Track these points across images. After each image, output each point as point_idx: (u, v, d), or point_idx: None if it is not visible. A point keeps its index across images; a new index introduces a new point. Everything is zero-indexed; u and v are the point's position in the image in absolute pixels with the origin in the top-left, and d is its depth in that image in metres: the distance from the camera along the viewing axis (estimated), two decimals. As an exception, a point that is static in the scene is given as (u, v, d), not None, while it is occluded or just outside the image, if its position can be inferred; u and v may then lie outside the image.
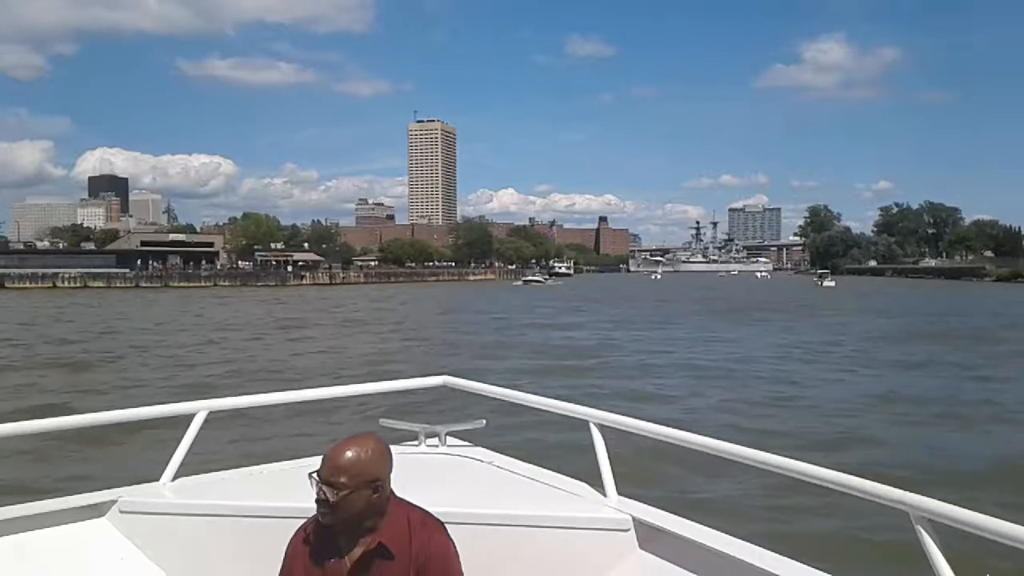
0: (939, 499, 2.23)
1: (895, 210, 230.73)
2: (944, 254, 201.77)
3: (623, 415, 3.46)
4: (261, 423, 13.73)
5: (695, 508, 5.57)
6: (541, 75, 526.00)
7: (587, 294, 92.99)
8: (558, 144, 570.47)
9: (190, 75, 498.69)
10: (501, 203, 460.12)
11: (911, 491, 2.30)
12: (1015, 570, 4.80)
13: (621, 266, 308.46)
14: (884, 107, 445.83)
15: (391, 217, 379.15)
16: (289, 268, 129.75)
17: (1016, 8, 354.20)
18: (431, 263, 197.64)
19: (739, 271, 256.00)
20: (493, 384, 4.33)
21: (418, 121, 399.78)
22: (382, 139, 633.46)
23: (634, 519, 3.12)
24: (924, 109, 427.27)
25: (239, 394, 4.77)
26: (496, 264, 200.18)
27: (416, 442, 4.13)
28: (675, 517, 3.09)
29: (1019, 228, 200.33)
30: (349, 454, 2.38)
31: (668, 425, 3.28)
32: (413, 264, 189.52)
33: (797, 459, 2.71)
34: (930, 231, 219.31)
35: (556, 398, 3.90)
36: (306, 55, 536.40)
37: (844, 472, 2.54)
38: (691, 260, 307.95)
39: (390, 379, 4.85)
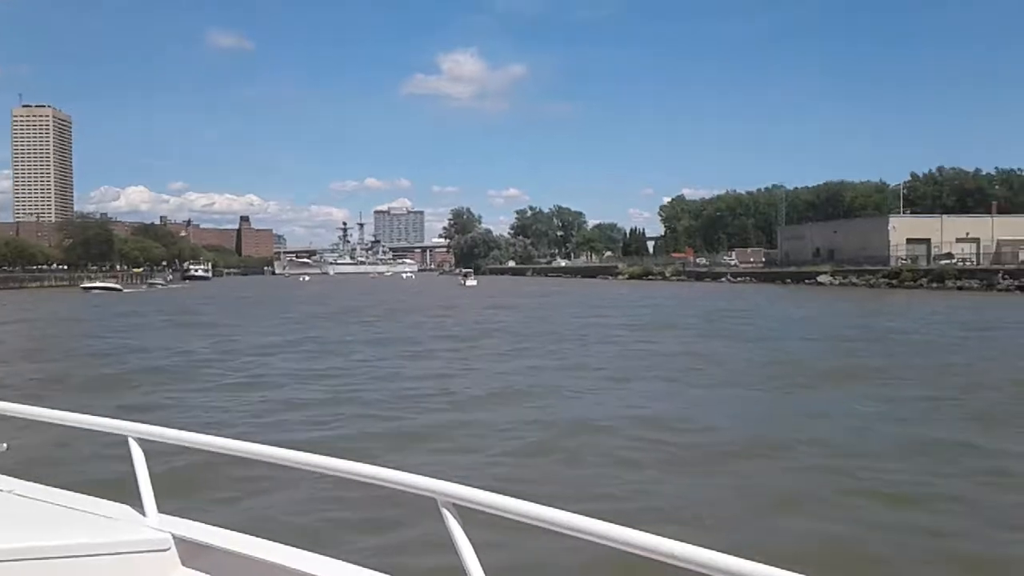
0: (462, 484, 2.37)
1: (529, 213, 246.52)
2: (572, 254, 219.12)
3: (164, 427, 3.11)
4: None
5: (242, 518, 5.99)
6: (177, 66, 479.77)
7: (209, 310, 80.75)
8: (195, 140, 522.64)
9: None
10: (130, 201, 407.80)
11: (440, 478, 2.42)
12: (523, 542, 5.68)
13: (266, 268, 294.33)
14: (513, 118, 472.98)
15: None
16: None
17: (615, 32, 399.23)
18: (36, 266, 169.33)
19: (390, 272, 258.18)
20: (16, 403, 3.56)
21: (24, 106, 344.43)
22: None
23: (175, 537, 2.91)
24: (547, 120, 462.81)
25: None
26: (120, 267, 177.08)
27: None
28: (218, 530, 2.96)
29: (643, 230, 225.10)
30: None
31: (208, 433, 3.11)
32: (10, 268, 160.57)
33: (344, 459, 2.71)
34: (559, 233, 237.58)
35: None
36: None
37: (377, 466, 2.58)
38: (339, 262, 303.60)
39: None
